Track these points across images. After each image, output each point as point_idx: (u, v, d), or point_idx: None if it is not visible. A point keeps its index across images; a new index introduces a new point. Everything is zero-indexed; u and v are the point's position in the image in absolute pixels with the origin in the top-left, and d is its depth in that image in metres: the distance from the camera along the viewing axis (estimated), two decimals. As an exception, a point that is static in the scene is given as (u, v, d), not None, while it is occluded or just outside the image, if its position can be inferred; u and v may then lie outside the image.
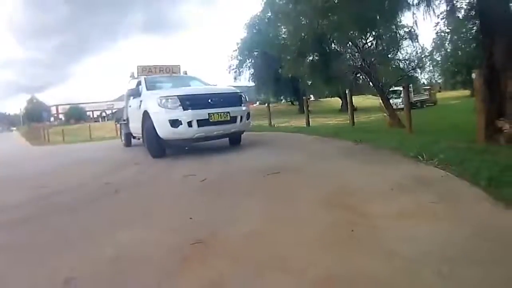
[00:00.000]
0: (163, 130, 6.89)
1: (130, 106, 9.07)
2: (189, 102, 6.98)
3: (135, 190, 4.51)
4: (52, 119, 59.24)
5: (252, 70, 40.22)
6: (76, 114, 52.56)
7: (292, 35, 16.33)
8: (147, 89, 8.27)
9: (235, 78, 41.06)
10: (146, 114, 7.30)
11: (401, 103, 17.07)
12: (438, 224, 2.41)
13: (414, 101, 26.32)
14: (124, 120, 9.73)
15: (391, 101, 15.29)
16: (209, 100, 7.16)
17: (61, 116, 58.32)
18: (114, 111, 14.45)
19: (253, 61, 39.86)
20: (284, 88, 38.40)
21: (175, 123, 6.81)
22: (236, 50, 40.61)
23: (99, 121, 46.30)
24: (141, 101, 7.95)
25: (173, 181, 4.81)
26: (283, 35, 26.76)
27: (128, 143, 10.27)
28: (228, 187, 4.10)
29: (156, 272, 2.08)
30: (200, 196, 3.80)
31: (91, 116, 57.28)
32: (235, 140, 8.21)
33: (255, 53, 38.39)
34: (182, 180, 4.72)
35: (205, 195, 3.84)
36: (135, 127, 8.57)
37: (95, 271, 2.18)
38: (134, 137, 9.95)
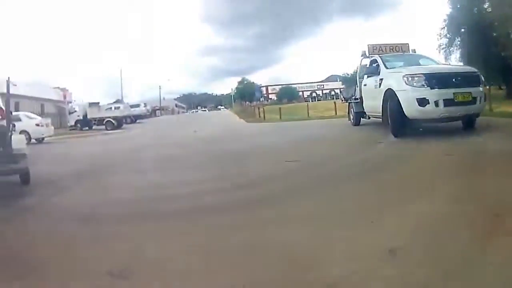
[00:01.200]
0: (410, 109, 6.76)
1: (364, 85, 9.28)
2: (435, 80, 6.74)
3: (398, 168, 4.61)
4: (261, 98, 66.98)
5: (461, 50, 33.46)
6: (288, 94, 58.18)
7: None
8: (386, 67, 8.29)
9: (445, 58, 35.73)
10: (389, 93, 7.29)
11: None
12: None
13: None
14: (356, 99, 10.06)
15: None
16: (453, 79, 6.83)
17: (270, 96, 65.88)
18: (341, 90, 15.01)
19: (461, 39, 33.09)
20: (493, 70, 30.16)
21: (422, 102, 6.61)
22: (443, 27, 34.83)
23: (309, 100, 49.88)
24: (381, 79, 7.99)
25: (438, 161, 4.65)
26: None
27: (357, 122, 10.59)
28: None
29: None
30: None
31: (301, 96, 62.31)
32: (470, 123, 7.27)
33: (462, 30, 31.77)
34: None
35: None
36: (371, 105, 8.74)
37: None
38: (364, 116, 10.23)
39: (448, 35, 35.72)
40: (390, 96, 7.27)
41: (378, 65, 8.61)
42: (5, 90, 6.54)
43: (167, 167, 6.50)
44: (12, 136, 5.58)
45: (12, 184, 5.05)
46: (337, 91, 64.99)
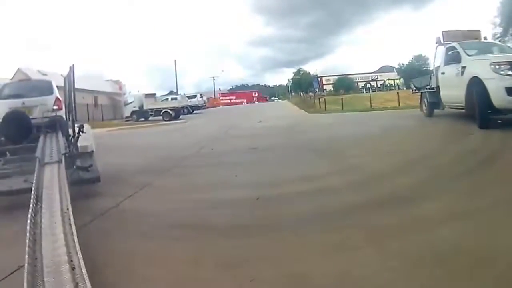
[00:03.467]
0: (499, 98, 6.47)
1: (442, 73, 8.96)
2: (522, 68, 6.38)
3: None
4: (316, 90, 65.38)
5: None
6: (345, 85, 56.61)
7: None
8: (467, 55, 7.99)
9: (501, 48, 32.23)
10: (474, 81, 7.03)
11: None
12: None
13: None
14: (431, 88, 9.73)
15: None
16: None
17: (325, 86, 64.28)
18: (413, 80, 14.14)
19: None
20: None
21: (511, 91, 6.29)
22: (497, 16, 31.85)
23: (363, 91, 48.27)
24: (463, 67, 7.71)
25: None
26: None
27: (430, 113, 10.23)
28: None
29: None
30: None
31: (357, 86, 60.33)
32: None
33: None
34: None
35: None
36: (451, 95, 8.43)
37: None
38: (437, 107, 9.89)
39: (502, 24, 32.96)
40: (475, 85, 6.99)
41: (457, 53, 8.30)
42: (60, 83, 6.35)
43: (266, 160, 6.04)
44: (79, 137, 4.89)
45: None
46: (392, 82, 62.68)
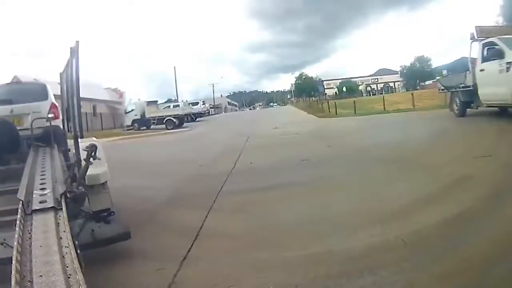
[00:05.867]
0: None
1: (481, 70, 8.44)
2: None
3: None
4: (324, 94, 63.25)
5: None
6: (348, 88, 55.51)
7: None
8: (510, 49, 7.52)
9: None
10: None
11: None
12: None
13: None
14: (466, 87, 9.19)
15: None
16: None
17: (326, 91, 63.37)
18: (440, 78, 13.24)
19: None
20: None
21: None
22: (499, 14, 31.85)
23: (364, 95, 47.83)
24: (508, 63, 7.29)
25: None
26: None
27: (463, 112, 9.68)
28: None
29: None
30: None
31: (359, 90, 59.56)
32: None
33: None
34: None
35: None
36: (494, 92, 7.91)
37: None
38: (471, 106, 9.42)
39: (504, 23, 33.00)
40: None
41: (499, 48, 7.80)
42: (57, 92, 5.17)
43: (338, 177, 4.92)
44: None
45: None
46: (392, 84, 62.44)
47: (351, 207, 3.49)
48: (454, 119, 9.92)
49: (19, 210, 2.14)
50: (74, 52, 3.21)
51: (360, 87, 59.58)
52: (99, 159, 2.89)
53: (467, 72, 9.22)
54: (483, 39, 8.79)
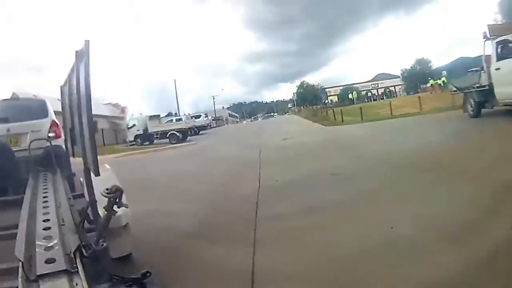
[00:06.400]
0: None
1: (497, 69, 8.26)
2: None
3: None
4: (330, 102, 62.30)
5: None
6: (351, 95, 54.73)
7: None
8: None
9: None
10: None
11: None
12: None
13: None
14: (481, 86, 8.99)
15: None
16: None
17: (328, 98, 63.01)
18: (453, 80, 12.64)
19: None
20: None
21: None
22: (497, 12, 31.99)
23: (364, 100, 47.45)
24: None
25: None
26: None
27: (477, 113, 9.47)
28: None
29: None
30: None
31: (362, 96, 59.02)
32: None
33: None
34: None
35: None
36: (511, 92, 7.72)
37: None
38: (485, 106, 9.23)
39: (503, 21, 33.02)
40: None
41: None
42: (57, 108, 4.53)
43: (385, 194, 4.37)
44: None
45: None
46: (392, 88, 62.19)
47: (421, 229, 3.00)
48: (470, 120, 9.70)
49: (19, 277, 1.52)
50: (81, 56, 2.37)
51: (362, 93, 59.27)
52: (126, 206, 2.12)
53: (482, 71, 9.05)
54: (496, 38, 8.66)
